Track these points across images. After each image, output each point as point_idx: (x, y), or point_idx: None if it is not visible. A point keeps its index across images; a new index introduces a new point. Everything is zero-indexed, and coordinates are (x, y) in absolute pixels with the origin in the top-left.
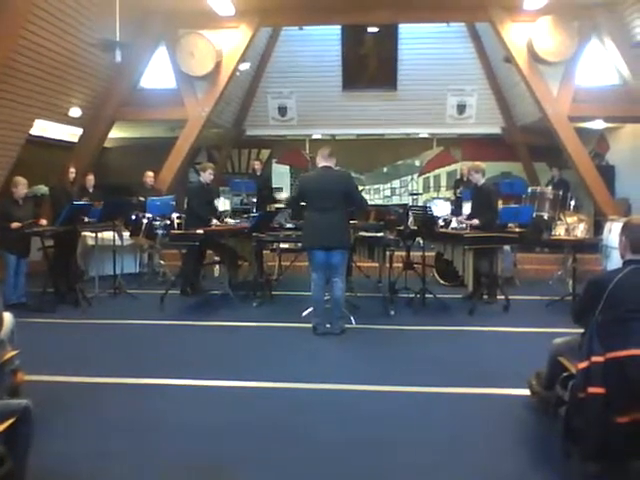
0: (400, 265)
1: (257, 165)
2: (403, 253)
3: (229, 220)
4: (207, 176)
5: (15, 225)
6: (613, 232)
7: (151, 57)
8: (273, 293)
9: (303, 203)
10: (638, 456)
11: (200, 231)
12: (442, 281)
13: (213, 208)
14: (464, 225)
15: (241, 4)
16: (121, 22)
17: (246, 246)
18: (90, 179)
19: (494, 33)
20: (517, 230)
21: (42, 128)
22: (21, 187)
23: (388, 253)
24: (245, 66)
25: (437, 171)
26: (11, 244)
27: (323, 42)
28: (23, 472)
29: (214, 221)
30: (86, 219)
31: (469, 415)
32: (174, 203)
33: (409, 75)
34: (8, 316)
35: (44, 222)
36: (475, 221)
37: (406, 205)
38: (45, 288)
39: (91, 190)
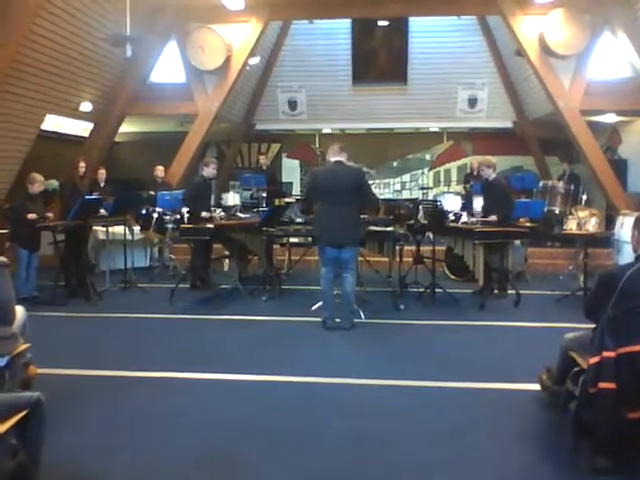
0: (410, 259)
1: (263, 159)
2: (413, 247)
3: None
4: (210, 171)
5: (32, 216)
6: (625, 226)
7: (161, 52)
8: (282, 287)
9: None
10: None
11: (210, 225)
12: (452, 276)
13: (208, 202)
14: (476, 221)
15: None
16: (131, 17)
17: (256, 240)
18: (102, 173)
19: (505, 26)
20: (528, 224)
21: (54, 123)
22: (37, 185)
23: (398, 247)
24: (255, 60)
25: (447, 165)
26: (24, 238)
27: (333, 36)
28: (37, 465)
29: (203, 214)
30: (102, 211)
31: (478, 410)
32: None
33: (419, 69)
34: (20, 310)
35: (50, 215)
36: (493, 217)
37: (416, 199)
38: (56, 282)
39: (102, 184)
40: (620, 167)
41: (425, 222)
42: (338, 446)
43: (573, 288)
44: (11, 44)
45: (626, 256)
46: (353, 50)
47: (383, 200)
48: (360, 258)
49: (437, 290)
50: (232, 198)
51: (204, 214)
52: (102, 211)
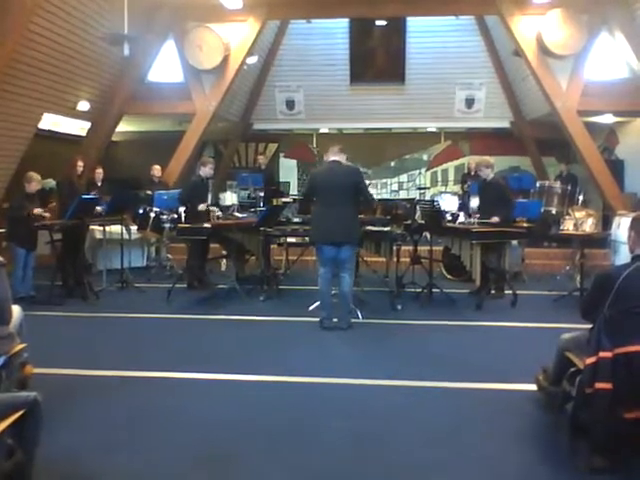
0: (407, 260)
1: (261, 159)
2: (410, 247)
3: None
4: (207, 170)
5: (37, 211)
6: (622, 227)
7: (159, 51)
8: (280, 287)
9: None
10: None
11: (207, 225)
12: (449, 276)
13: (205, 201)
14: (473, 221)
15: None
16: (129, 16)
17: (253, 240)
18: (99, 172)
19: (503, 26)
20: (525, 225)
21: (51, 122)
22: (34, 184)
23: (395, 247)
24: (253, 60)
25: (445, 165)
26: (21, 237)
27: (331, 35)
28: (30, 464)
29: (201, 205)
30: (99, 208)
31: (475, 410)
32: None
33: (417, 69)
34: (17, 309)
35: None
36: (495, 218)
37: (414, 199)
38: (53, 281)
39: (100, 184)
40: (617, 168)
41: (422, 222)
42: (336, 446)
43: (570, 288)
44: (8, 43)
45: (623, 257)
46: (351, 50)
47: (380, 200)
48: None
49: (434, 290)
50: (229, 198)
51: (201, 207)
52: (98, 208)
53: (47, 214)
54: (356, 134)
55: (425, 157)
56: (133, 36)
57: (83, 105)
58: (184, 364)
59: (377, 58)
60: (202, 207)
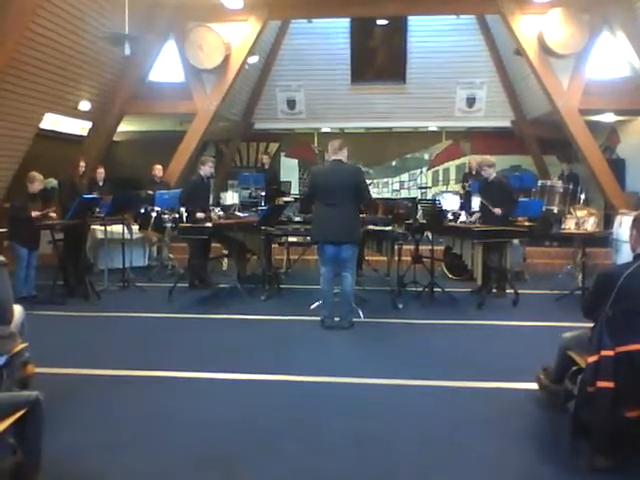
0: (409, 259)
1: (265, 159)
2: (412, 247)
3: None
4: (207, 169)
5: (35, 213)
6: (623, 226)
7: (160, 50)
8: (281, 286)
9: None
10: None
11: (209, 224)
12: (451, 275)
13: (206, 202)
14: (474, 220)
15: None
16: (130, 15)
17: (255, 239)
18: (100, 172)
19: (504, 25)
20: (527, 224)
21: (52, 122)
22: (37, 183)
23: (396, 247)
24: (254, 59)
25: (446, 164)
26: (23, 237)
27: (332, 35)
28: (37, 465)
29: (198, 214)
30: (97, 210)
31: (477, 409)
32: None
33: (418, 68)
34: (18, 309)
35: (53, 211)
36: (498, 210)
37: (415, 199)
38: (55, 281)
39: (101, 184)
40: (618, 166)
41: (424, 221)
42: (337, 445)
43: (571, 287)
44: (9, 43)
45: (624, 255)
46: (352, 49)
47: (382, 199)
48: None
49: (435, 289)
50: (231, 197)
51: (199, 215)
52: (97, 210)
53: (54, 214)
54: (357, 133)
55: (426, 156)
56: (134, 36)
57: (84, 105)
58: (185, 364)
59: (378, 57)
60: (200, 216)
